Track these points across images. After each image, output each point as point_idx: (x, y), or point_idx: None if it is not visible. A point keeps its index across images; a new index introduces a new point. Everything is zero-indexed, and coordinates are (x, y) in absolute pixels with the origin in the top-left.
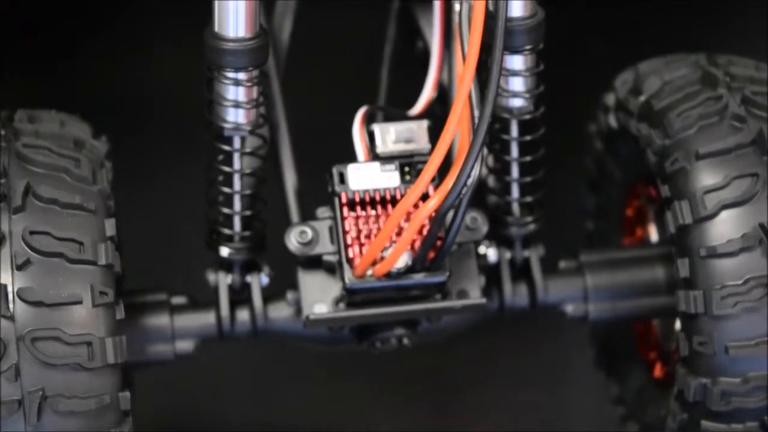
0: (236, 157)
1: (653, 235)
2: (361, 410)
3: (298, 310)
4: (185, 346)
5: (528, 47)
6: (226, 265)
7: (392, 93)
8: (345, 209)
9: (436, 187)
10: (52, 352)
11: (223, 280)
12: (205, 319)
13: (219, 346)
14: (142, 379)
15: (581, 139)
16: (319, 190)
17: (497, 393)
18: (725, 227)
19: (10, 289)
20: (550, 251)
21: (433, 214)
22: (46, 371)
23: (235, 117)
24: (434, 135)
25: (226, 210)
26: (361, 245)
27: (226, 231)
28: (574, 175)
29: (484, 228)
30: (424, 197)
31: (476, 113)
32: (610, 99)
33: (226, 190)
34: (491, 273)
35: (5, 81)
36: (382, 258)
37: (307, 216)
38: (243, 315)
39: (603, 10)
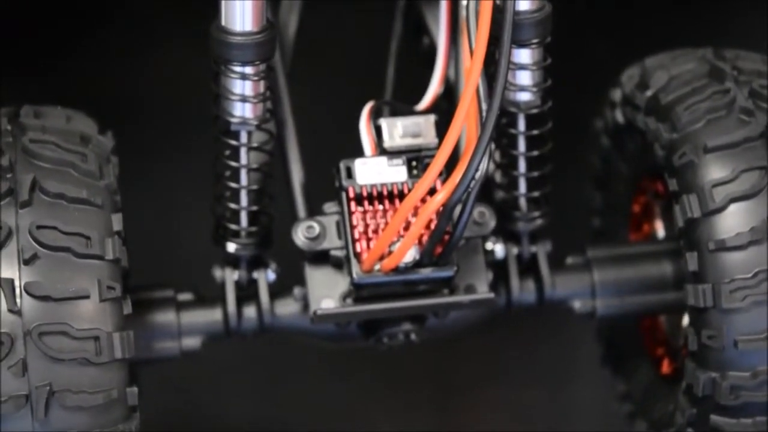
0: (243, 151)
1: (660, 231)
2: (362, 409)
3: (305, 305)
4: (192, 342)
5: (535, 41)
6: (232, 261)
7: (398, 89)
8: (352, 204)
9: (443, 182)
10: (59, 347)
11: (230, 276)
12: (212, 315)
13: (220, 345)
14: (144, 377)
15: (587, 135)
16: (325, 186)
17: (501, 392)
18: (734, 220)
19: (17, 283)
20: (557, 247)
21: (441, 209)
22: (54, 366)
23: (242, 111)
24: (441, 130)
25: (232, 205)
26: (368, 240)
27: (233, 226)
28: (580, 171)
29: (492, 223)
30: (432, 192)
31: (484, 107)
32: (617, 94)
33: (233, 185)
34: (498, 269)
35: (5, 79)
36: (390, 252)
37: (314, 211)
38: (250, 311)
39: (605, 7)
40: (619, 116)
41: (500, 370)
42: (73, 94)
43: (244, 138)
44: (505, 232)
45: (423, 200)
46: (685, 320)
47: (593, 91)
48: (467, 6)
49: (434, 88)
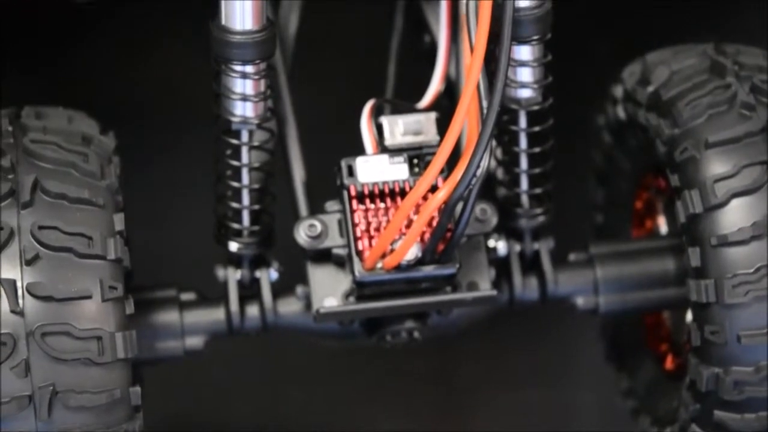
0: (244, 150)
1: (662, 227)
2: (363, 409)
3: (308, 304)
4: (195, 342)
5: (535, 37)
6: (235, 261)
7: (399, 87)
8: (354, 202)
9: (445, 179)
10: (62, 347)
11: (232, 276)
12: (215, 314)
13: (221, 346)
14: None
15: (589, 132)
16: (327, 184)
17: (502, 391)
18: (736, 215)
19: (19, 284)
20: (559, 244)
21: (443, 206)
22: (57, 366)
23: (243, 110)
24: (442, 128)
25: (234, 204)
26: (370, 238)
27: (235, 226)
28: (582, 168)
29: (494, 220)
30: (434, 189)
31: (484, 104)
32: (618, 90)
33: (234, 184)
34: (501, 266)
35: (6, 80)
36: (392, 250)
37: (316, 210)
38: (252, 310)
39: (607, 5)
40: (621, 112)
41: (502, 369)
42: (75, 95)
43: (245, 137)
44: (507, 229)
45: (424, 198)
46: (689, 316)
47: (595, 88)
48: (467, 3)
49: (435, 86)
